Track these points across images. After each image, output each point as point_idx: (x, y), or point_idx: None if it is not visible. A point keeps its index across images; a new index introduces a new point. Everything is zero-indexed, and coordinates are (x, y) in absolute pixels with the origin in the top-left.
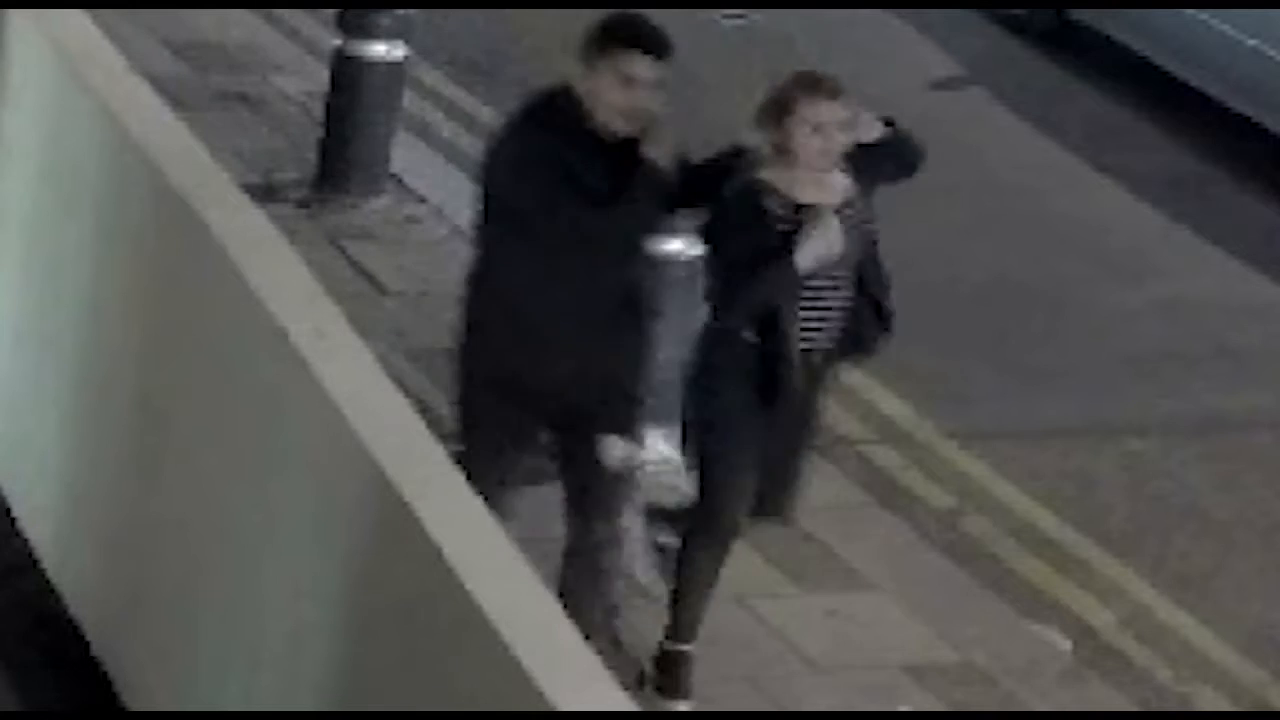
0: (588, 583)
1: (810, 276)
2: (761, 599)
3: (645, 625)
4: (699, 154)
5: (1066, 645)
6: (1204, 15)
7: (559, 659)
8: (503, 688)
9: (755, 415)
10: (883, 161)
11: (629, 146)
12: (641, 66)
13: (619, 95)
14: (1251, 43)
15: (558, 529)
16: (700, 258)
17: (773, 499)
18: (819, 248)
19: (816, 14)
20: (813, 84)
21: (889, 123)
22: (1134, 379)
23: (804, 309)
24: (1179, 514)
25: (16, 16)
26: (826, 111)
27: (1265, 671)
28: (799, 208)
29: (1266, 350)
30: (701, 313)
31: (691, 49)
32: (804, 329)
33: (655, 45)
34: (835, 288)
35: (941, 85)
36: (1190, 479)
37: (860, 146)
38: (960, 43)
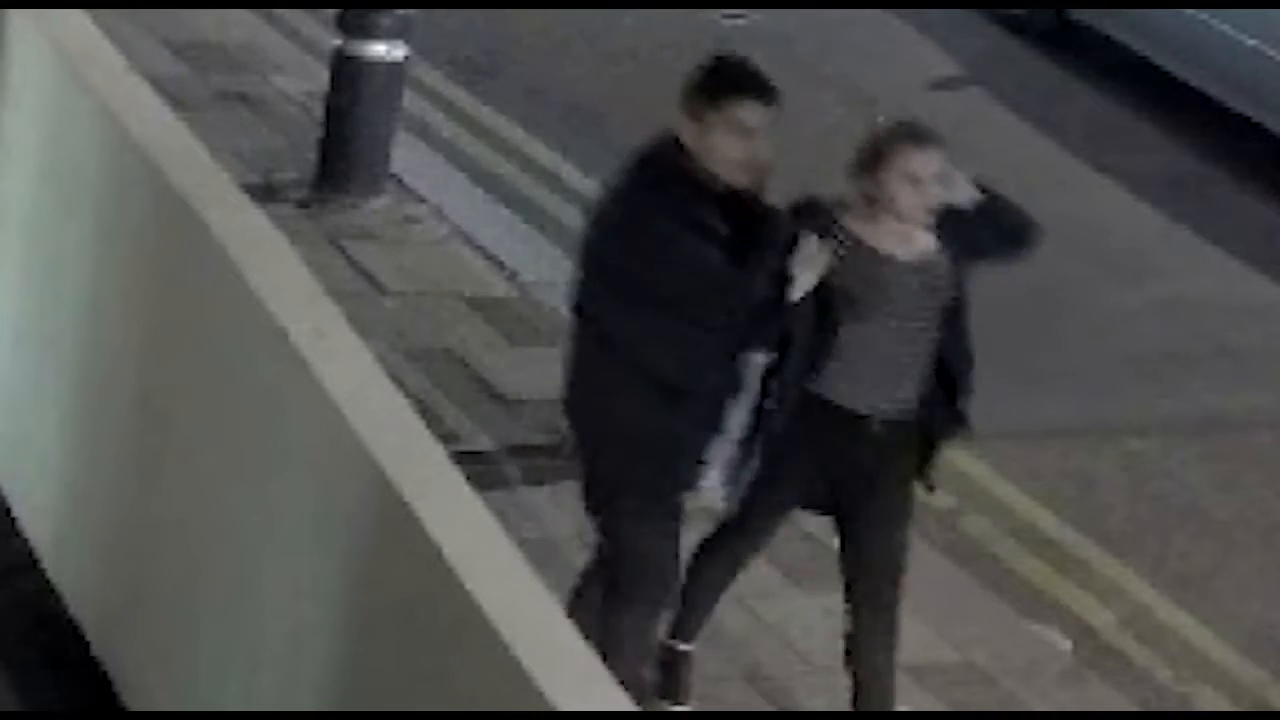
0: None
1: (864, 328)
2: (760, 599)
3: None
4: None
5: (1066, 645)
6: (1204, 15)
7: (559, 659)
8: (503, 688)
9: (803, 457)
10: (978, 230)
11: (741, 197)
12: (756, 114)
13: (737, 146)
14: (1251, 43)
15: (558, 529)
16: None
17: (861, 589)
18: (806, 279)
19: (816, 14)
20: (910, 134)
21: (985, 190)
22: (1134, 379)
23: (855, 365)
24: (1179, 514)
25: (16, 16)
26: (923, 163)
27: (1265, 671)
28: (864, 253)
29: (1266, 350)
30: None
31: (692, 49)
32: (857, 387)
33: (766, 91)
34: (900, 347)
35: (941, 85)
36: (1190, 479)
37: (952, 211)
38: (960, 43)
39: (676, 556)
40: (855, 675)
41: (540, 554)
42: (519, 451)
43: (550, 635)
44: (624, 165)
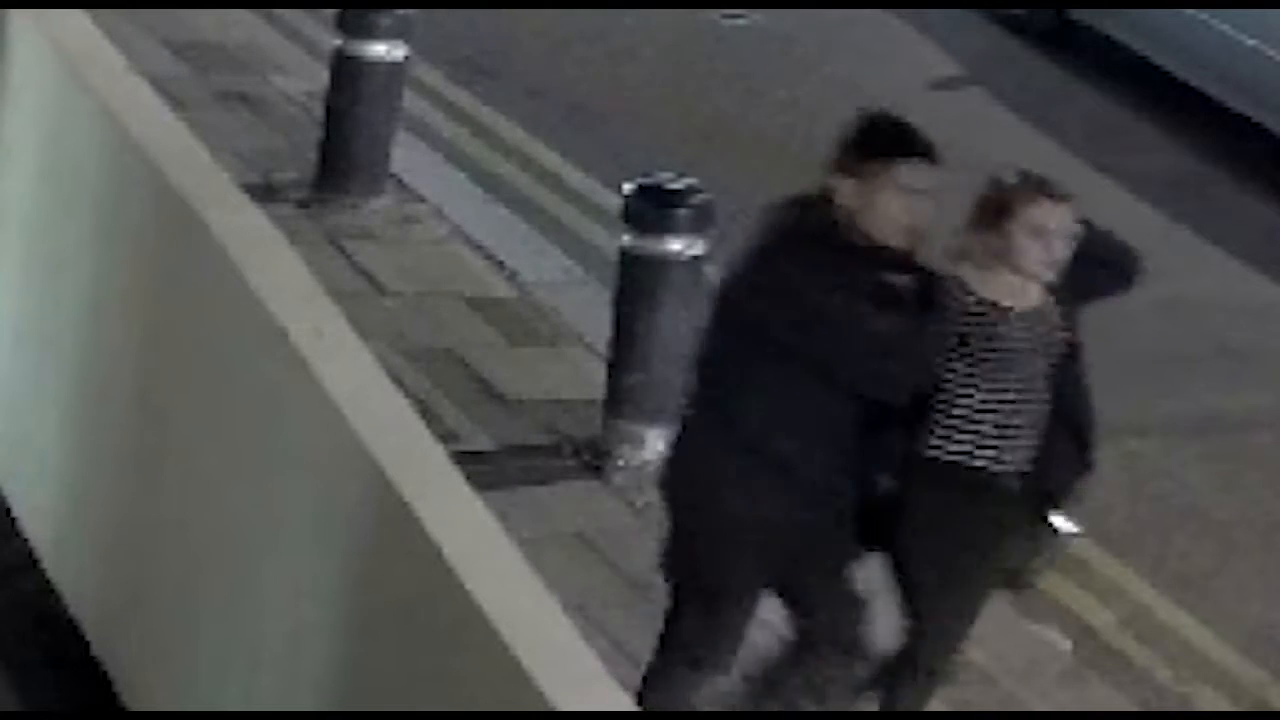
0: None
1: (987, 384)
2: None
3: (637, 625)
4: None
5: (1066, 645)
6: (1204, 15)
7: (559, 659)
8: (503, 688)
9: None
10: (1089, 270)
11: (899, 259)
12: (924, 175)
13: (902, 208)
14: (1251, 43)
15: (558, 529)
16: (700, 258)
17: (930, 646)
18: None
19: (816, 14)
20: (1038, 186)
21: (1086, 227)
22: (1134, 379)
23: (979, 423)
24: (1179, 514)
25: (16, 16)
26: (1052, 216)
27: (1265, 671)
28: (980, 305)
29: (1266, 350)
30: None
31: (692, 49)
32: (984, 445)
33: (931, 149)
34: (1020, 400)
35: (941, 85)
36: (1190, 479)
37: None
38: (960, 43)
39: (728, 649)
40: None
41: (540, 554)
42: (519, 451)
43: (550, 635)
44: (765, 225)
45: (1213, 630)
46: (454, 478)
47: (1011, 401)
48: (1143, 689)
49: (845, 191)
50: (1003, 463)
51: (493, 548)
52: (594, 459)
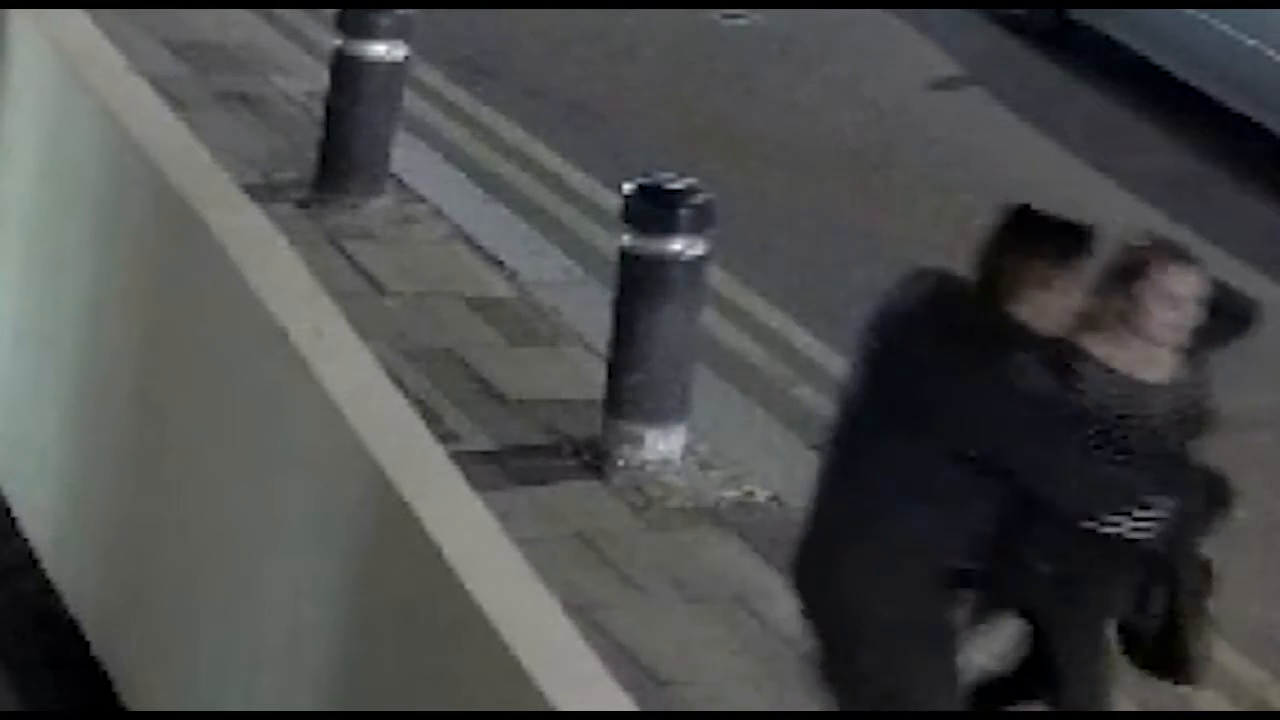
0: None
1: (1136, 458)
2: (760, 599)
3: (637, 625)
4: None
5: None
6: (1204, 15)
7: (559, 659)
8: (503, 688)
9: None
10: (1212, 323)
11: (1057, 349)
12: (1088, 269)
13: (1071, 302)
14: (1251, 43)
15: (558, 529)
16: (700, 258)
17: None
18: None
19: (816, 14)
20: (1171, 250)
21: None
22: None
23: (1128, 492)
24: None
25: (16, 16)
26: (1185, 283)
27: (1265, 671)
28: (1122, 381)
29: (1267, 350)
30: (697, 313)
31: (691, 49)
32: (1133, 516)
33: (1091, 242)
34: (1167, 471)
35: (941, 85)
36: None
37: None
38: (960, 43)
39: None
40: None
41: (540, 554)
42: (519, 451)
43: (550, 635)
44: (914, 310)
45: (1213, 630)
46: (454, 478)
47: (1157, 471)
48: (1143, 689)
49: (1010, 289)
50: (1150, 532)
51: (493, 548)
52: (594, 459)
